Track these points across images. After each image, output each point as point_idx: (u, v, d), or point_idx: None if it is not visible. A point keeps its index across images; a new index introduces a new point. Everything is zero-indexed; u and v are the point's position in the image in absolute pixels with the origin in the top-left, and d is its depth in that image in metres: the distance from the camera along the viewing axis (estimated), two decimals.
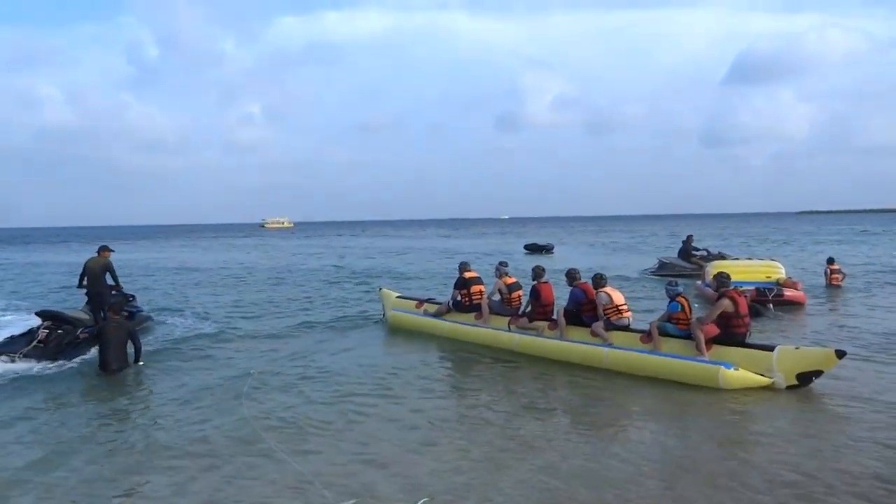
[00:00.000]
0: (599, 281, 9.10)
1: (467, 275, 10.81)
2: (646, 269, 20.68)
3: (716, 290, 8.32)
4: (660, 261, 21.35)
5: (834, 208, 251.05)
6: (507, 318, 9.94)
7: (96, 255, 10.81)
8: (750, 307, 11.69)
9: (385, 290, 13.04)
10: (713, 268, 14.92)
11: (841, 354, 7.19)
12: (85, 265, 10.70)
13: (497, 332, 9.96)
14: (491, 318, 10.17)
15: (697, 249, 20.15)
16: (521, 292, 10.18)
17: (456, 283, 10.92)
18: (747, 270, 14.80)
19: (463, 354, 9.70)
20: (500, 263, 10.68)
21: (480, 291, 10.66)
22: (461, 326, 10.50)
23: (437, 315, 11.06)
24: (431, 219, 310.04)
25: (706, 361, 7.73)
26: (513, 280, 10.33)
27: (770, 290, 13.69)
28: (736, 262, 16.29)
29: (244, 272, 25.67)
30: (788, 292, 13.80)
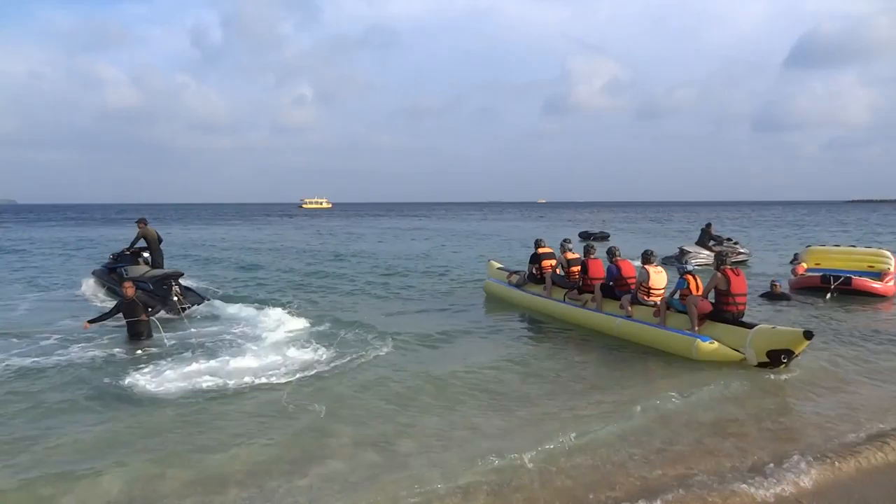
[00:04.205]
0: (647, 257, 9.65)
1: (540, 250, 12.21)
2: (668, 257, 19.77)
3: (716, 269, 8.30)
4: (680, 249, 21.63)
5: (887, 197, 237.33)
6: (565, 291, 11.11)
7: (146, 226, 11.98)
8: (770, 292, 12.49)
9: (491, 262, 15.03)
10: (808, 254, 15.10)
11: (809, 335, 7.29)
12: (143, 234, 11.84)
13: (554, 303, 11.16)
14: (553, 290, 11.48)
15: (715, 238, 20.92)
16: (579, 267, 11.14)
17: (531, 258, 12.41)
18: (847, 258, 14.43)
19: (536, 323, 10.94)
20: (564, 240, 11.81)
21: (551, 266, 11.96)
22: (529, 296, 11.99)
23: (517, 285, 12.58)
24: (468, 202, 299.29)
25: (688, 334, 8.07)
26: (574, 256, 11.48)
27: (837, 277, 13.21)
28: (837, 248, 15.83)
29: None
30: (875, 284, 13.17)
